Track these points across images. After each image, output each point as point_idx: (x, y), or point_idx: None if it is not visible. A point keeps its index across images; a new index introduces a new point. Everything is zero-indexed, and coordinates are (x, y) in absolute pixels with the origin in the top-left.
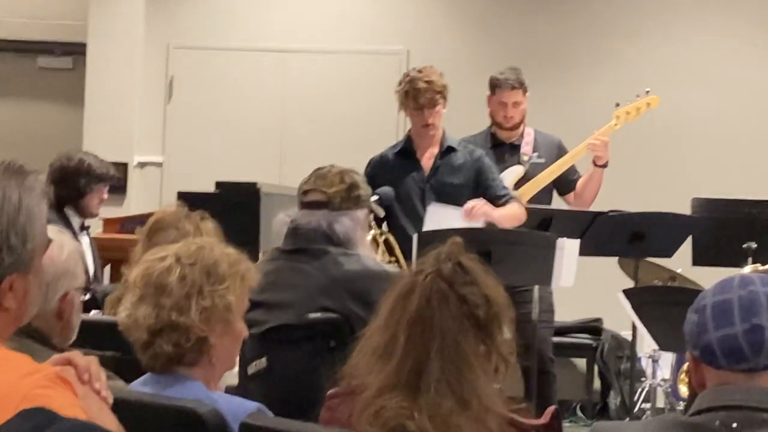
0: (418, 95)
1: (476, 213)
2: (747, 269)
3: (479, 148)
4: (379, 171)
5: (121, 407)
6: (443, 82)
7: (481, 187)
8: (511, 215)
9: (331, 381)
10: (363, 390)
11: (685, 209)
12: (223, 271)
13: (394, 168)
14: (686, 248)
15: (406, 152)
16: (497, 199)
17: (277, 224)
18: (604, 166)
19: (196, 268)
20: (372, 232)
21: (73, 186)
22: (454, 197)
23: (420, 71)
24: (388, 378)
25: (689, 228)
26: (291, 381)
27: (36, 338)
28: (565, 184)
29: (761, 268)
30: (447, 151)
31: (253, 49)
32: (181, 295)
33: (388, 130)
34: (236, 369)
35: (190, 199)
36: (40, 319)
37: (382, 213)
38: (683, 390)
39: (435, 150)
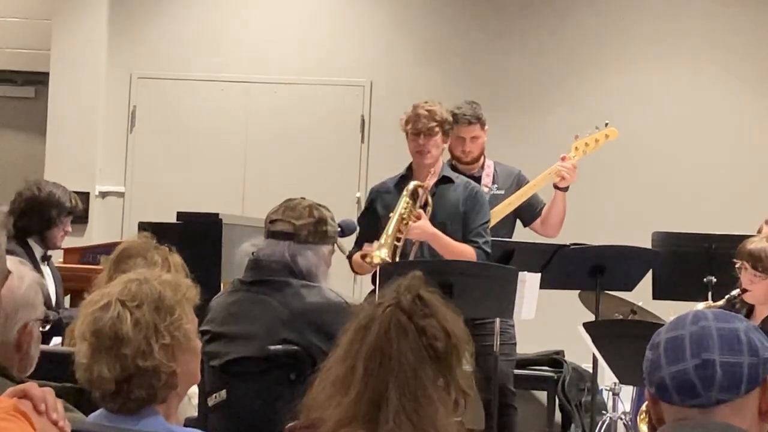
0: (417, 120)
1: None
2: (701, 306)
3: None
4: (377, 198)
5: None
6: (445, 116)
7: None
8: (457, 253)
9: (291, 414)
10: (322, 423)
11: (646, 243)
12: (169, 302)
13: (392, 197)
14: (647, 282)
15: (405, 181)
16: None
17: (240, 254)
18: (565, 189)
19: (144, 309)
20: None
21: (42, 217)
22: (442, 230)
23: (425, 102)
24: (347, 410)
25: (650, 261)
26: (251, 414)
27: None
28: (530, 213)
29: (713, 304)
30: (443, 180)
31: (215, 79)
32: (140, 340)
33: (351, 161)
34: (196, 401)
35: (152, 229)
36: None
37: (347, 251)
38: (643, 429)
39: (432, 182)
